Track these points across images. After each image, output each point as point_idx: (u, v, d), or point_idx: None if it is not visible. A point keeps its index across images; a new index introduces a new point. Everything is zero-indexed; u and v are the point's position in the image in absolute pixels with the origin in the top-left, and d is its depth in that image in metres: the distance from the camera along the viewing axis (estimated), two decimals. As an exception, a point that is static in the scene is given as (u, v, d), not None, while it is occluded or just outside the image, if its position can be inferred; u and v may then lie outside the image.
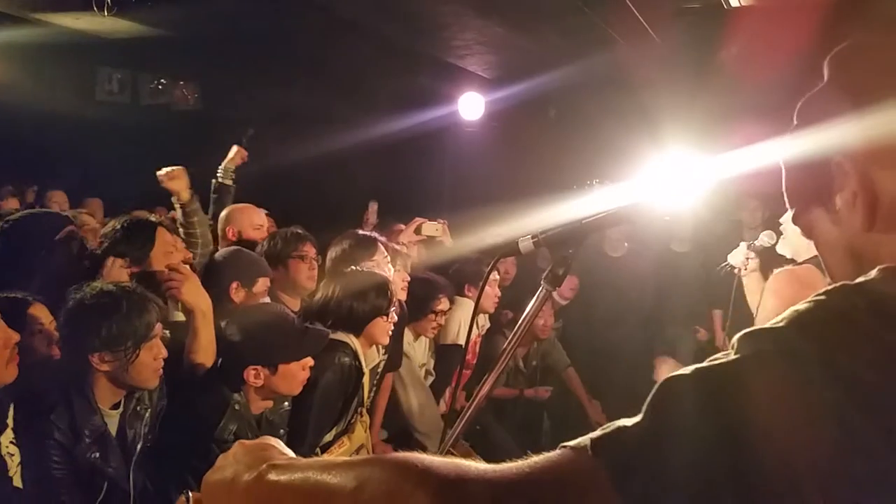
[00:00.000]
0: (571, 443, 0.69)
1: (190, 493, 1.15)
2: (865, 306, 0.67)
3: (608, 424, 0.69)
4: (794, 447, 0.59)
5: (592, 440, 0.66)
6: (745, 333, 0.69)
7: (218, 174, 4.21)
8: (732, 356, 0.67)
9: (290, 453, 0.89)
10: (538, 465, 0.67)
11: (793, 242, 2.54)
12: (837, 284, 0.72)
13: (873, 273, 0.71)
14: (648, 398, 0.68)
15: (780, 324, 0.68)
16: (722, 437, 0.61)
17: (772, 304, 2.37)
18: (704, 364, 0.68)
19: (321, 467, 0.76)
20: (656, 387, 0.68)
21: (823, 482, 0.59)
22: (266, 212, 4.01)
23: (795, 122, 0.87)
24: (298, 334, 2.46)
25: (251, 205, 3.85)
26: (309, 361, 2.45)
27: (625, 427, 0.66)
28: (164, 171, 3.46)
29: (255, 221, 3.70)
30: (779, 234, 2.63)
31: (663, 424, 0.64)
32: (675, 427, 0.64)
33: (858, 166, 0.78)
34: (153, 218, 2.93)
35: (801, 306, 0.69)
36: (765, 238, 2.73)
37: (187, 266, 2.81)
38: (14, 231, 2.94)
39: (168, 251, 2.84)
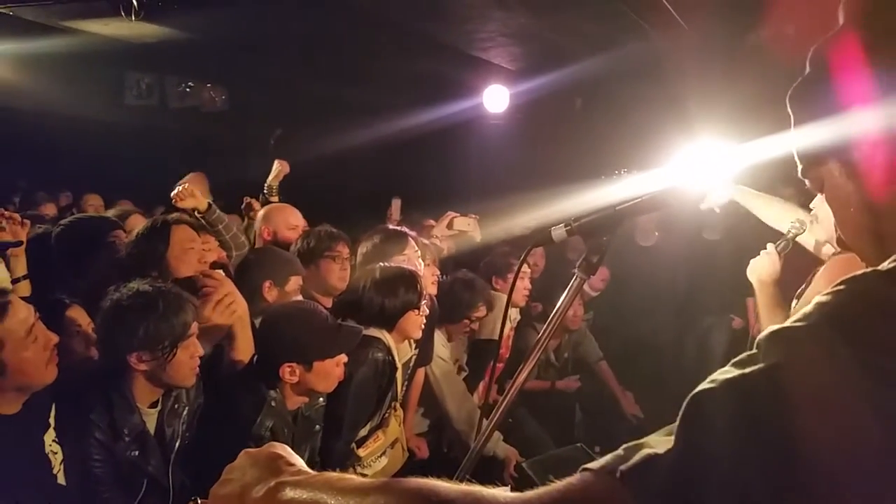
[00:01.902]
0: (593, 466, 0.66)
1: (199, 500, 1.15)
2: None
3: (636, 445, 0.65)
4: (841, 458, 0.56)
5: (623, 471, 0.62)
6: (773, 333, 0.64)
7: (264, 191, 4.30)
8: (763, 363, 0.62)
9: (298, 461, 0.87)
10: (561, 493, 0.65)
11: (826, 227, 2.44)
12: (868, 272, 0.67)
13: None
14: (679, 418, 0.63)
15: (811, 321, 0.63)
16: (764, 457, 0.57)
17: None
18: (733, 374, 0.62)
19: (333, 491, 0.73)
20: (685, 405, 0.63)
21: (869, 489, 0.56)
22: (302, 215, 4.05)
23: (808, 70, 0.81)
24: (332, 331, 2.47)
25: (288, 205, 3.88)
26: (343, 358, 2.46)
27: (657, 456, 0.62)
28: (174, 193, 3.51)
29: (290, 222, 3.73)
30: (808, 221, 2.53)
31: (699, 451, 0.60)
32: (711, 453, 0.59)
33: (878, 117, 0.73)
34: (170, 217, 2.96)
35: (830, 298, 0.64)
36: (793, 228, 2.60)
37: (220, 271, 2.84)
38: (69, 234, 3.02)
39: (186, 247, 2.87)
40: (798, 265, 2.60)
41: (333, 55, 6.80)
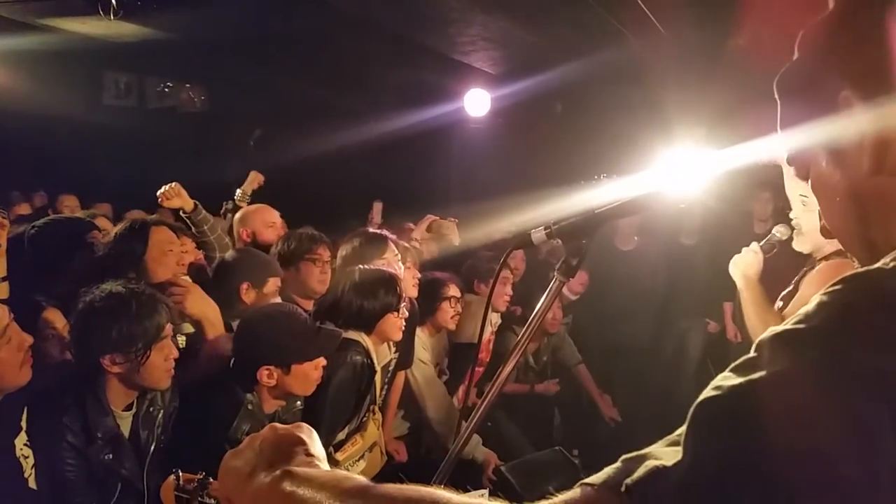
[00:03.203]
0: (594, 481, 0.62)
1: (179, 472, 1.15)
2: None
3: (637, 457, 0.61)
4: (855, 469, 0.53)
5: (629, 485, 0.59)
6: (776, 337, 0.61)
7: (236, 196, 4.29)
8: (768, 369, 0.59)
9: (320, 451, 0.85)
10: None
11: (812, 237, 2.42)
12: (871, 269, 0.64)
13: None
14: (686, 428, 0.59)
15: (815, 323, 0.60)
16: (776, 469, 0.54)
17: None
18: (738, 381, 0.59)
19: (337, 492, 0.72)
20: (691, 415, 0.60)
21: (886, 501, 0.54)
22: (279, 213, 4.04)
23: (797, 53, 0.79)
24: (311, 334, 2.45)
25: (264, 205, 3.86)
26: (322, 361, 2.45)
27: (665, 469, 0.58)
28: (160, 193, 3.49)
29: (267, 220, 3.71)
30: (791, 227, 2.52)
31: (709, 464, 0.57)
32: (721, 465, 0.56)
33: (867, 102, 0.70)
34: (149, 218, 2.93)
35: (833, 298, 0.61)
36: (778, 232, 2.60)
37: (187, 278, 2.82)
38: (42, 236, 2.97)
39: (165, 250, 2.85)
40: (779, 270, 2.61)
41: (314, 57, 6.78)
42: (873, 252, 0.74)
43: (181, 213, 3.49)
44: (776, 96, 0.81)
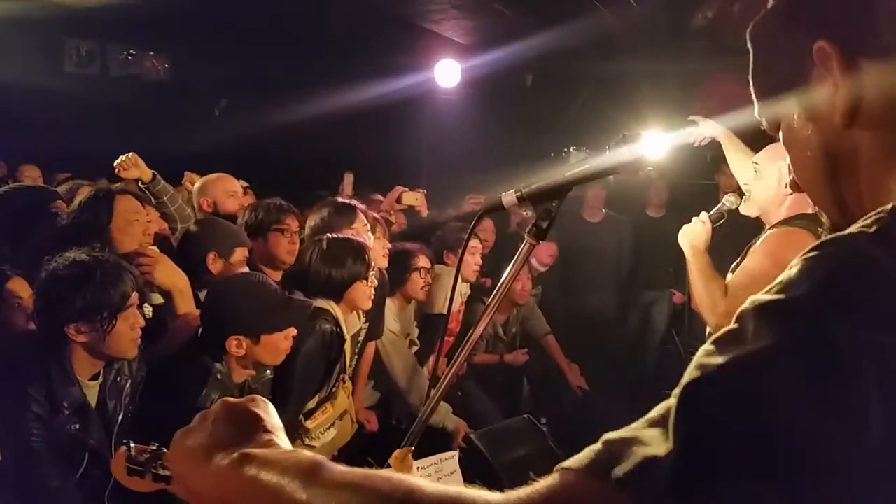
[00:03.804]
0: (573, 465, 0.58)
1: (132, 444, 1.13)
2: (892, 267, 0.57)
3: (621, 441, 0.58)
4: (848, 445, 0.52)
5: (620, 477, 0.55)
6: (759, 308, 0.58)
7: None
8: (754, 344, 0.56)
9: (277, 423, 0.82)
10: (544, 498, 0.57)
11: (759, 203, 2.45)
12: (854, 234, 0.61)
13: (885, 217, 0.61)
14: (674, 413, 0.56)
15: (799, 292, 0.57)
16: (770, 451, 0.52)
17: (763, 267, 2.15)
18: (723, 359, 0.56)
19: (302, 480, 0.67)
20: (678, 399, 0.56)
21: (875, 481, 0.53)
22: (246, 184, 3.96)
23: (770, 5, 0.78)
24: (282, 304, 2.44)
25: (224, 174, 3.79)
26: (292, 332, 2.44)
27: (657, 459, 0.55)
28: (116, 163, 3.41)
29: (228, 188, 3.64)
30: (740, 197, 2.54)
31: (701, 451, 0.54)
32: (714, 451, 0.53)
33: (843, 52, 0.68)
34: (114, 187, 2.87)
35: (815, 264, 0.59)
36: (727, 202, 2.64)
37: (155, 248, 2.78)
38: (5, 203, 2.90)
39: (131, 219, 2.80)
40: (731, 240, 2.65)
41: (281, 25, 6.66)
42: (842, 209, 0.74)
43: (139, 183, 3.42)
44: (749, 46, 0.80)
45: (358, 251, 2.86)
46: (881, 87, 0.67)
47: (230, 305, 2.39)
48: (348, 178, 6.05)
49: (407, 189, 4.34)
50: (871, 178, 0.70)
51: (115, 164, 3.42)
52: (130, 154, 3.42)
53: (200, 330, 2.46)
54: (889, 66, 0.67)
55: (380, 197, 4.74)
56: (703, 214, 2.54)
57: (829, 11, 0.71)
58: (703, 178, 5.78)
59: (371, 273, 2.89)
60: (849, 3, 0.70)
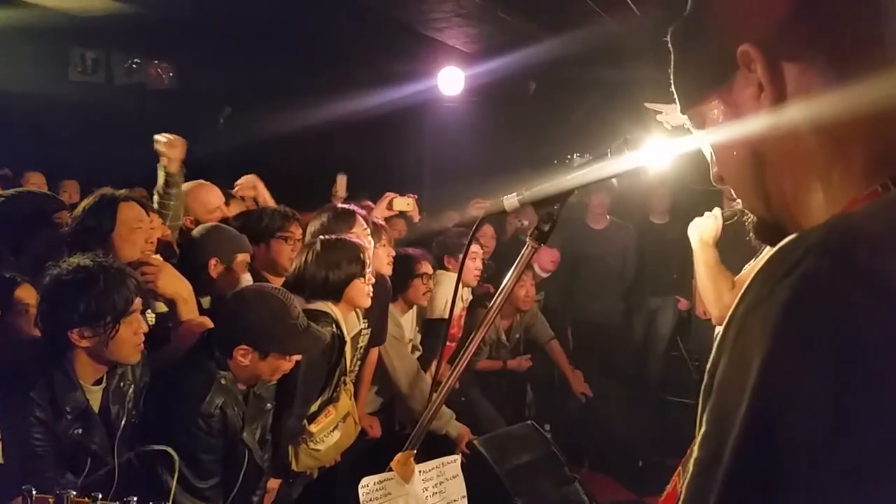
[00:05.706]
0: None
1: (33, 491, 1.08)
2: (861, 285, 0.56)
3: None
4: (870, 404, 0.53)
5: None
6: (740, 318, 0.60)
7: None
8: (740, 355, 0.58)
9: None
10: None
11: None
12: (823, 237, 0.60)
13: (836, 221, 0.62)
14: (702, 429, 0.59)
15: (779, 299, 0.57)
16: (780, 466, 0.54)
17: None
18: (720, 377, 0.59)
19: None
20: (707, 417, 0.59)
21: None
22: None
23: (689, 6, 0.79)
24: (298, 332, 2.42)
25: (203, 183, 3.69)
26: (297, 358, 2.45)
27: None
28: (164, 135, 3.30)
29: (210, 203, 3.56)
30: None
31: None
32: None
33: (766, 55, 0.70)
34: (118, 193, 2.84)
35: (796, 269, 0.58)
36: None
37: (158, 256, 2.77)
38: (7, 209, 2.90)
39: (134, 227, 2.78)
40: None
41: (285, 33, 6.69)
42: (767, 203, 0.76)
43: (162, 167, 3.32)
44: (670, 47, 0.81)
45: (352, 250, 2.86)
46: (802, 89, 0.69)
47: (253, 318, 2.38)
48: (341, 180, 6.02)
49: (397, 195, 4.29)
50: (795, 175, 0.72)
51: (159, 136, 3.31)
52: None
53: (211, 329, 2.47)
54: (809, 69, 0.69)
55: (370, 203, 4.70)
56: (717, 210, 2.55)
57: (751, 16, 0.72)
58: (707, 184, 5.73)
59: (367, 270, 2.88)
60: (769, 8, 0.71)
